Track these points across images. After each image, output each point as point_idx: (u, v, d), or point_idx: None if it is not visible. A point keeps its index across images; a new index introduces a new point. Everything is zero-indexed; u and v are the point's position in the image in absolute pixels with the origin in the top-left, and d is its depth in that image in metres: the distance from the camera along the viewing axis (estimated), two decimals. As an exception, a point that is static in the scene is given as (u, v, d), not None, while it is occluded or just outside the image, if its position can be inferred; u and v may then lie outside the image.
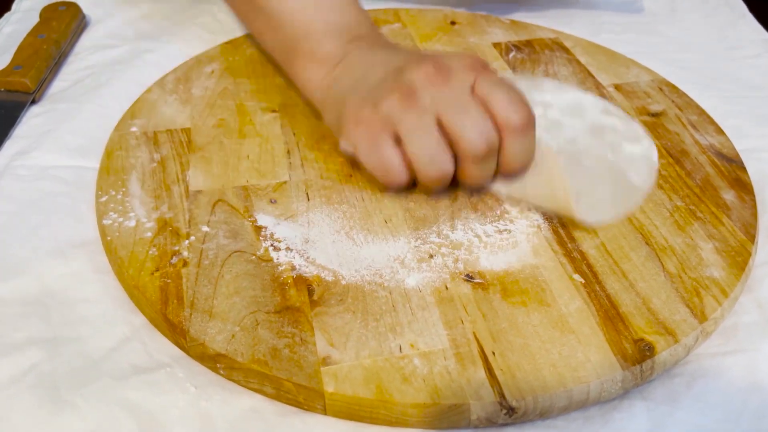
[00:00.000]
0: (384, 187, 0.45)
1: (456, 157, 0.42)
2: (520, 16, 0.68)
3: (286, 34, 0.50)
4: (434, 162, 0.41)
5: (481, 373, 0.35)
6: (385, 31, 0.64)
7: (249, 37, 0.62)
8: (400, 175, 0.42)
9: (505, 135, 0.41)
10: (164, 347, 0.38)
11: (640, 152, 0.48)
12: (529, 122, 0.41)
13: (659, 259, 0.41)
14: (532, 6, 0.71)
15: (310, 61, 0.49)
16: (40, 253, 0.43)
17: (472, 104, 0.41)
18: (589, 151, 0.47)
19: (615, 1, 0.73)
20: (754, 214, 0.44)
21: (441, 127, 0.41)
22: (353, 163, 0.47)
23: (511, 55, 0.61)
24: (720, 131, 0.52)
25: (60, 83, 0.60)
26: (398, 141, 0.42)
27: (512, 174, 0.43)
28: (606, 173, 0.46)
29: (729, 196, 0.46)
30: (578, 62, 0.60)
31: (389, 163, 0.42)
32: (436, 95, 0.41)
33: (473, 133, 0.40)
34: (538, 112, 0.43)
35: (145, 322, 0.39)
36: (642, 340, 0.37)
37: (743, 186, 0.47)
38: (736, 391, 0.36)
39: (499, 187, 0.45)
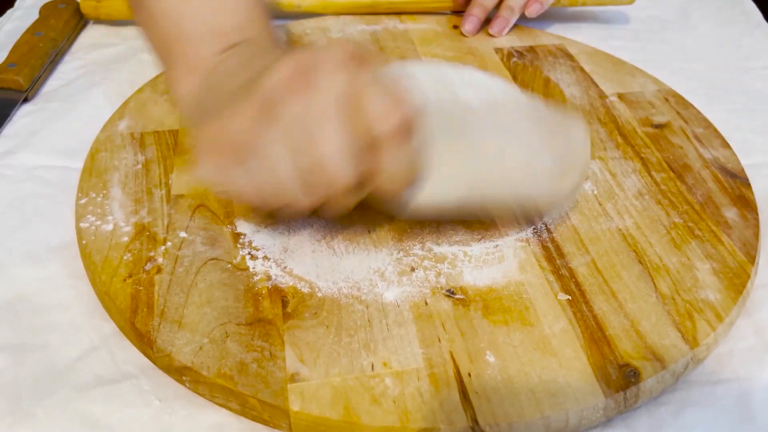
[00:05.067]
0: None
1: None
2: (526, 21, 0.66)
3: (162, 33, 0.43)
4: (288, 191, 0.34)
5: (455, 396, 0.33)
6: (385, 33, 0.63)
7: (246, 38, 0.61)
8: (259, 203, 0.36)
9: (381, 147, 0.34)
10: (132, 357, 0.37)
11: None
12: (404, 125, 0.34)
13: (652, 279, 0.39)
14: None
15: (180, 66, 0.42)
16: (16, 257, 0.43)
17: (336, 119, 0.33)
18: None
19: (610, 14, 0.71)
20: (756, 234, 0.42)
21: (299, 147, 0.33)
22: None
23: (513, 61, 0.59)
24: (726, 145, 0.50)
25: (54, 82, 0.59)
26: (249, 163, 0.34)
27: (393, 192, 0.36)
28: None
29: (731, 213, 0.44)
30: (582, 70, 0.58)
31: (240, 191, 0.35)
32: (294, 107, 0.33)
33: (337, 160, 0.33)
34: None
35: (115, 331, 0.38)
36: (628, 365, 0.35)
37: (746, 203, 0.45)
38: (726, 423, 0.34)
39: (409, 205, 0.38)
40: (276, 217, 0.41)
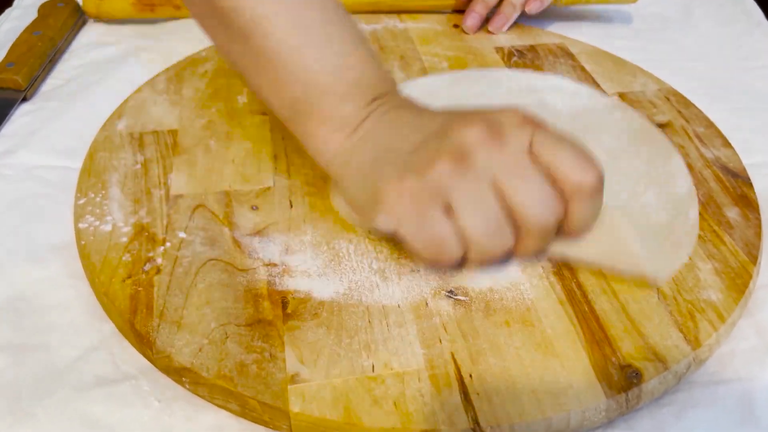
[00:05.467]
0: (428, 263, 0.39)
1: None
2: (527, 20, 0.66)
3: (296, 92, 0.40)
4: (494, 237, 0.35)
5: (456, 397, 0.33)
6: (385, 33, 0.63)
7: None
8: (454, 253, 0.36)
9: (574, 200, 0.35)
10: (132, 358, 0.37)
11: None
12: (599, 183, 0.35)
13: (654, 280, 0.39)
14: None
15: (323, 124, 0.40)
16: (17, 257, 0.42)
17: (533, 169, 0.35)
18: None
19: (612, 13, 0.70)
20: (758, 234, 0.42)
21: (499, 195, 0.35)
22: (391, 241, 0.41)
23: (513, 60, 0.59)
24: (727, 144, 0.50)
25: (53, 81, 0.59)
26: (449, 213, 0.35)
27: (574, 237, 0.38)
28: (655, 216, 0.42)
29: (732, 213, 0.44)
30: (583, 69, 0.58)
31: (441, 239, 0.35)
32: (492, 158, 0.35)
33: (539, 207, 0.35)
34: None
35: (115, 331, 0.38)
36: (629, 366, 0.35)
37: (748, 203, 0.44)
38: (729, 423, 0.34)
39: (554, 251, 0.39)
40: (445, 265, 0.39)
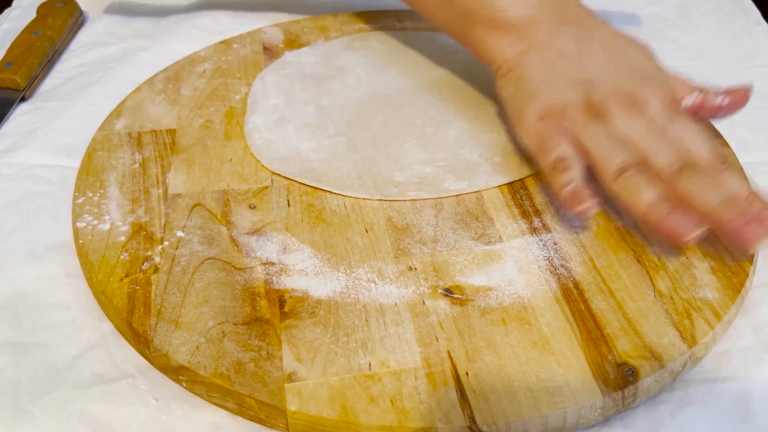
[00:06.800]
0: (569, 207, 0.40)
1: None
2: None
3: (461, 2, 0.46)
4: (614, 149, 0.39)
5: (453, 395, 0.33)
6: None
7: (245, 36, 0.61)
8: (573, 163, 0.40)
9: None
10: (130, 356, 0.37)
11: None
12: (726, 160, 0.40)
13: (650, 278, 0.39)
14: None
15: (491, 29, 0.45)
16: (15, 255, 0.42)
17: (665, 131, 0.40)
18: None
19: (613, 15, 0.70)
20: (755, 232, 0.42)
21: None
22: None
23: (512, 59, 0.59)
24: (724, 143, 0.50)
25: (52, 81, 0.59)
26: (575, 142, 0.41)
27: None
28: None
29: (729, 212, 0.44)
30: (581, 68, 0.58)
31: (562, 153, 0.40)
32: (625, 123, 0.40)
33: (662, 145, 0.39)
34: None
35: (112, 330, 0.38)
36: (625, 364, 0.35)
37: (745, 202, 0.44)
38: (725, 421, 0.34)
39: None
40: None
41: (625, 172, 0.39)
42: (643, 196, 0.38)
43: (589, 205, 0.38)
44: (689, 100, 0.44)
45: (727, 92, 0.44)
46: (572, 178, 0.39)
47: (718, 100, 0.44)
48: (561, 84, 0.42)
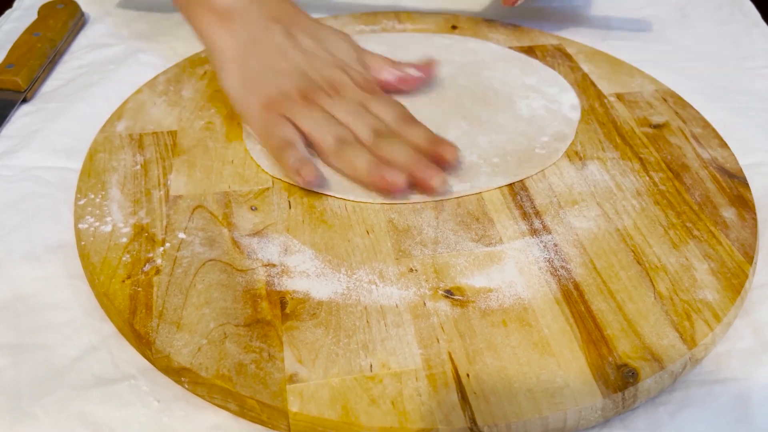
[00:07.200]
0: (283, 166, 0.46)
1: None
2: (524, 21, 0.66)
3: None
4: (326, 129, 0.45)
5: (453, 396, 0.33)
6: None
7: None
8: (295, 140, 0.45)
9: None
10: (131, 358, 0.37)
11: None
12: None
13: (650, 279, 0.39)
14: (540, 10, 0.70)
15: (207, 11, 0.49)
16: (15, 256, 0.43)
17: (362, 107, 0.47)
18: None
19: (622, 20, 0.70)
20: (754, 234, 0.42)
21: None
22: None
23: (512, 61, 0.59)
24: (724, 145, 0.50)
25: (53, 82, 0.59)
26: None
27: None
28: None
29: (729, 213, 0.44)
30: (580, 70, 0.58)
31: (284, 135, 0.45)
32: (331, 105, 0.47)
33: (360, 120, 0.46)
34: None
35: (114, 331, 0.38)
36: (626, 365, 0.35)
37: (744, 203, 0.45)
38: (724, 422, 0.34)
39: None
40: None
41: (341, 147, 0.45)
42: (358, 164, 0.44)
43: (314, 170, 0.44)
44: (384, 76, 0.52)
45: (415, 65, 0.53)
46: (296, 152, 0.44)
47: (409, 72, 0.53)
48: (276, 76, 0.48)
